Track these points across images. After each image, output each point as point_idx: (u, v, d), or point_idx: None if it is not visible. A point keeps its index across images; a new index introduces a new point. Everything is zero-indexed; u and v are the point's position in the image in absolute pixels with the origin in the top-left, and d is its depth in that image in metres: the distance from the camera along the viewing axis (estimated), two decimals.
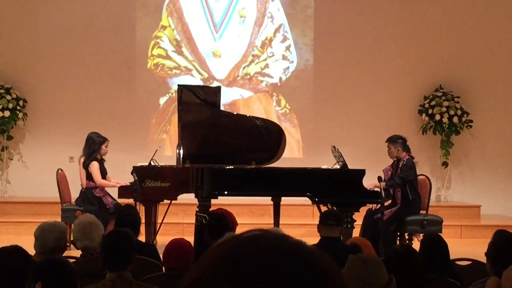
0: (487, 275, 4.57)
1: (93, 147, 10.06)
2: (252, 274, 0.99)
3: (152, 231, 9.28)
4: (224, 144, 9.70)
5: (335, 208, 8.66)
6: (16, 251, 4.31)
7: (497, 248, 4.55)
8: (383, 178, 9.49)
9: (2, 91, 12.78)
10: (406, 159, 9.75)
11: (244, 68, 13.50)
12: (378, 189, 8.92)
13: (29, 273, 3.63)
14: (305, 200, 9.47)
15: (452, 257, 5.57)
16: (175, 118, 11.36)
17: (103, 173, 10.13)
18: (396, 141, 9.84)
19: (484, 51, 13.55)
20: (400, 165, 9.72)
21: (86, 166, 10.04)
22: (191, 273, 1.04)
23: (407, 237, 9.81)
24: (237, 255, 1.02)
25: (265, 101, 13.60)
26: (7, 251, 4.30)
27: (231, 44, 13.45)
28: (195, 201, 9.03)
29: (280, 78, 13.59)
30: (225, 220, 6.08)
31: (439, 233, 7.16)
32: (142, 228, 7.42)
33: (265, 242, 1.03)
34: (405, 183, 9.64)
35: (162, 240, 8.69)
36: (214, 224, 5.99)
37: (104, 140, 10.13)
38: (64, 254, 5.32)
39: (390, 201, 9.72)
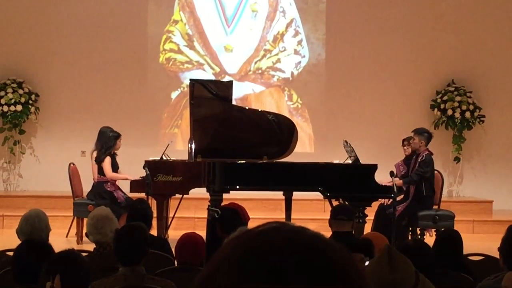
0: (500, 270, 4.55)
1: (109, 143, 10.08)
2: (269, 267, 0.98)
3: (164, 225, 9.30)
4: (236, 138, 9.69)
5: (346, 203, 8.66)
6: (43, 244, 4.34)
7: (511, 244, 4.52)
8: (395, 173, 9.47)
9: (15, 85, 12.80)
10: (425, 154, 9.71)
11: (256, 62, 13.49)
12: (391, 184, 8.90)
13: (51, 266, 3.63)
14: (317, 194, 9.46)
15: (464, 252, 5.56)
16: (186, 113, 11.36)
17: (115, 167, 10.16)
18: (422, 133, 9.80)
19: (497, 46, 13.50)
20: (419, 160, 9.67)
21: (100, 161, 10.06)
22: (208, 267, 1.04)
23: (419, 232, 9.80)
24: (254, 248, 1.01)
25: (277, 96, 13.59)
26: (35, 243, 4.33)
27: (243, 39, 13.44)
28: (207, 195, 9.04)
29: (292, 73, 13.57)
30: (238, 214, 6.07)
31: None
32: (154, 222, 7.43)
33: (282, 235, 1.03)
34: (421, 180, 9.60)
35: (174, 234, 8.70)
36: (226, 219, 5.98)
37: (118, 135, 10.17)
38: (76, 249, 5.33)
39: (402, 196, 9.70)
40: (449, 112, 13.08)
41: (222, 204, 7.97)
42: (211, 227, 6.17)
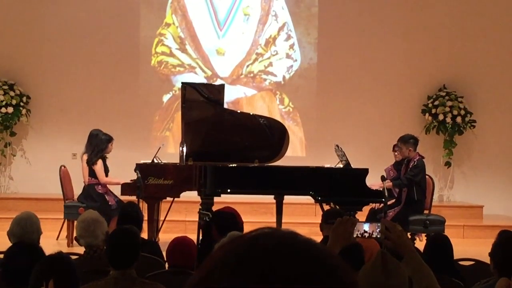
0: (490, 275, 4.56)
1: (101, 145, 10.07)
2: (261, 271, 0.99)
3: (154, 228, 9.29)
4: (227, 142, 9.69)
5: (338, 207, 8.66)
6: (33, 247, 4.32)
7: (502, 249, 4.53)
8: (385, 177, 9.49)
9: (6, 87, 12.78)
10: (417, 159, 9.74)
11: (247, 66, 13.50)
12: (381, 189, 8.91)
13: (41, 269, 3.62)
14: (308, 198, 9.46)
15: (455, 257, 5.57)
16: (178, 116, 11.35)
17: (105, 171, 10.15)
18: (408, 141, 9.82)
19: (488, 51, 13.54)
20: (411, 165, 9.69)
21: (92, 163, 10.04)
22: (200, 271, 1.04)
23: (409, 236, 9.81)
24: (247, 252, 1.02)
25: (269, 100, 13.59)
26: (25, 246, 4.32)
27: (235, 42, 13.45)
28: (198, 198, 9.03)
29: (284, 77, 13.58)
30: (235, 218, 6.08)
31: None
32: (145, 226, 7.42)
33: (274, 240, 1.03)
34: (411, 184, 9.63)
35: (165, 237, 8.70)
36: (223, 221, 5.97)
37: (110, 138, 10.15)
38: (67, 251, 5.32)
39: (393, 201, 9.72)
40: (440, 117, 13.11)
41: (215, 207, 7.97)
42: (205, 230, 6.15)
